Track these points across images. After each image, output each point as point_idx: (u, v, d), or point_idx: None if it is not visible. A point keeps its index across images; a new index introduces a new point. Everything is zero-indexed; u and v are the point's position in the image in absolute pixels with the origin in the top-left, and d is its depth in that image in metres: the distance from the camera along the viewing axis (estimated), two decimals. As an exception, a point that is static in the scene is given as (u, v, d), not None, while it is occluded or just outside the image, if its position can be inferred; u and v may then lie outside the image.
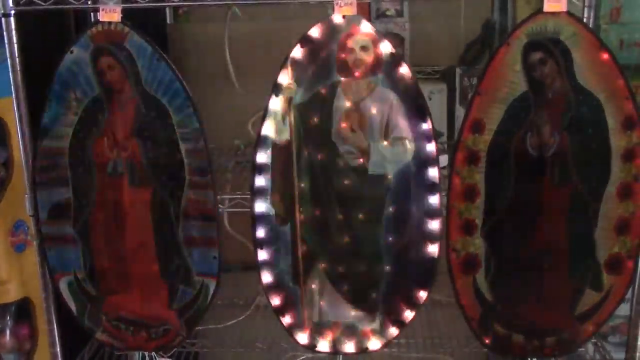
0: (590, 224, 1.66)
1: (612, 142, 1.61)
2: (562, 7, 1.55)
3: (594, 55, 1.57)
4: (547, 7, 1.55)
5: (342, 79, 1.63)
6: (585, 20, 1.84)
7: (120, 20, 1.61)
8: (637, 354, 1.79)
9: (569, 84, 1.59)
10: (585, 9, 1.87)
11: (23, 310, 1.96)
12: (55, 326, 1.83)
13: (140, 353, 1.91)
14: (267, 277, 1.76)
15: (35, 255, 1.79)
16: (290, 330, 1.81)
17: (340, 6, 1.57)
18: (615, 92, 1.59)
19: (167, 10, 2.42)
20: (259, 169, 1.68)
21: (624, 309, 1.82)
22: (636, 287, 1.73)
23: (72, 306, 1.81)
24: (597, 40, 1.57)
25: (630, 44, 2.21)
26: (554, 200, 1.65)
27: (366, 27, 1.60)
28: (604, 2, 2.18)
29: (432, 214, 1.69)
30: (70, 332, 1.89)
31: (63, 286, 1.79)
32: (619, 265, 1.69)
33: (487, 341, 1.78)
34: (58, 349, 1.84)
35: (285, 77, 1.63)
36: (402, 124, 1.64)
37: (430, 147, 1.65)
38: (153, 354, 1.90)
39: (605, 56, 1.57)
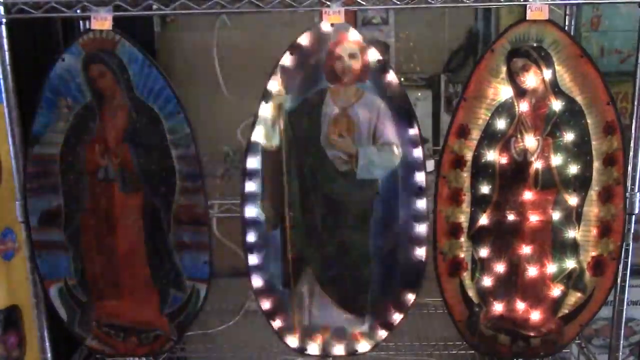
0: (574, 226, 1.69)
1: (594, 146, 1.65)
2: (544, 15, 1.58)
3: (576, 62, 1.61)
4: (530, 15, 1.58)
5: (331, 85, 1.66)
6: (566, 28, 1.89)
7: (111, 28, 1.62)
8: (620, 356, 1.82)
9: (552, 90, 1.62)
10: (567, 17, 1.92)
11: (11, 318, 1.94)
12: (45, 333, 1.82)
13: (131, 359, 1.91)
14: (257, 282, 1.77)
15: (24, 263, 1.79)
16: (280, 333, 1.82)
17: (329, 14, 1.60)
18: (596, 98, 1.62)
19: (155, 18, 2.42)
20: (249, 174, 1.70)
21: (607, 312, 1.85)
22: (618, 288, 1.76)
23: (63, 313, 1.82)
24: (579, 47, 1.61)
25: (611, 51, 2.26)
26: (537, 203, 1.68)
27: (354, 35, 1.63)
28: (585, 11, 2.23)
29: (419, 218, 1.71)
30: (60, 339, 1.89)
31: (53, 293, 1.80)
32: (601, 266, 1.72)
33: (473, 342, 1.81)
34: (48, 356, 1.84)
35: (274, 84, 1.65)
36: (390, 129, 1.67)
37: (417, 152, 1.68)
38: (144, 359, 1.90)
39: (587, 63, 1.61)
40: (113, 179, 1.71)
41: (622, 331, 1.80)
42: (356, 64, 1.64)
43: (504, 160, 1.66)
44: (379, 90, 1.66)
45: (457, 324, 1.79)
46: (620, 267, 1.73)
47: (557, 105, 1.63)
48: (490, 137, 1.65)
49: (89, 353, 1.98)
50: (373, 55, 1.64)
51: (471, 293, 1.76)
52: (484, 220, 1.70)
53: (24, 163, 1.70)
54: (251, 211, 1.73)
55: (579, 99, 1.63)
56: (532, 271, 1.73)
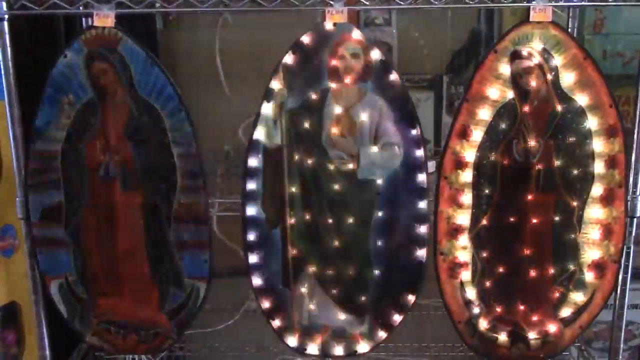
0: (575, 228, 1.69)
1: (596, 149, 1.65)
2: (548, 17, 1.58)
3: (579, 65, 1.61)
4: (533, 16, 1.58)
5: (333, 85, 1.66)
6: (569, 30, 1.89)
7: (113, 25, 1.62)
8: (620, 359, 1.82)
9: (554, 92, 1.62)
10: (570, 20, 1.92)
11: (10, 315, 1.94)
12: (44, 329, 1.82)
13: (131, 356, 1.91)
14: (257, 281, 1.77)
15: (24, 259, 1.79)
16: (279, 333, 1.82)
17: (332, 14, 1.60)
18: (598, 101, 1.62)
19: (157, 16, 2.42)
20: (250, 173, 1.70)
21: (607, 315, 1.84)
22: (619, 291, 1.76)
23: (63, 309, 1.81)
24: (582, 50, 1.61)
25: (613, 54, 2.26)
26: (539, 205, 1.68)
27: (356, 35, 1.63)
28: (588, 13, 2.23)
29: (420, 218, 1.71)
30: (59, 337, 1.88)
31: (54, 289, 1.79)
32: (602, 269, 1.72)
33: (472, 344, 1.80)
34: (47, 353, 1.83)
35: (276, 84, 1.65)
36: (391, 130, 1.67)
37: (419, 152, 1.68)
38: (143, 357, 1.90)
39: (589, 65, 1.60)
40: (114, 176, 1.70)
41: (622, 334, 1.80)
42: (359, 64, 1.64)
43: (505, 161, 1.66)
44: (382, 91, 1.65)
45: (456, 325, 1.79)
46: (621, 270, 1.73)
47: (559, 107, 1.63)
48: (492, 138, 1.65)
49: (88, 350, 1.99)
50: (376, 55, 1.63)
51: (471, 294, 1.76)
52: (485, 221, 1.70)
53: (25, 159, 1.70)
54: (252, 210, 1.72)
55: (581, 101, 1.63)
56: (532, 273, 1.72)
